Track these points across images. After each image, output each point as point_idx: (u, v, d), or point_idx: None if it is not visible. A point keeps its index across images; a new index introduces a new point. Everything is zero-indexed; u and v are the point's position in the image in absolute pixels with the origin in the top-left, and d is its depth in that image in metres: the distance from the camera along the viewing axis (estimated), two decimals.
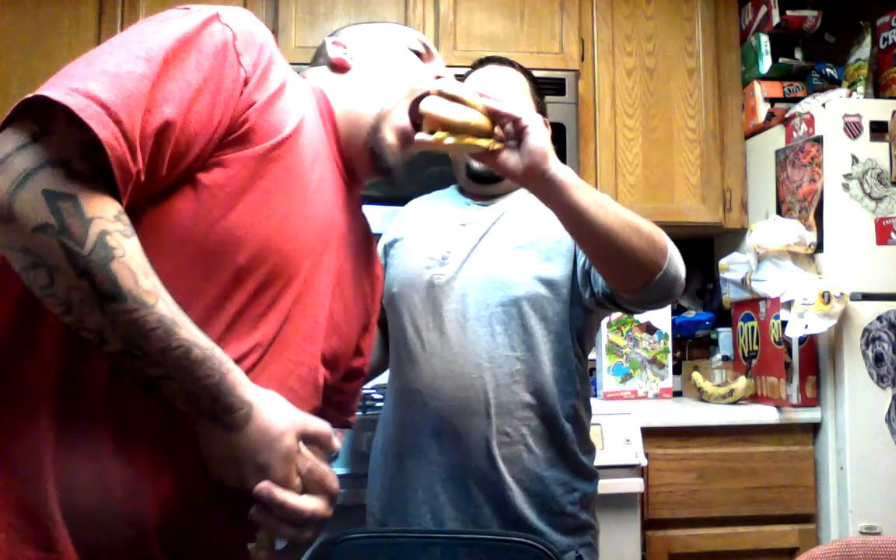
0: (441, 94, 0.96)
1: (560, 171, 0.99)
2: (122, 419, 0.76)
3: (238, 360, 0.80)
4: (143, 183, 0.73)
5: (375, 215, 2.09)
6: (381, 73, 1.01)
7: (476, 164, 1.36)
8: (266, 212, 0.82)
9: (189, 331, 0.74)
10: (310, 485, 0.83)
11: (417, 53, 1.05)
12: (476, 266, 1.29)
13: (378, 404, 1.75)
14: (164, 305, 0.73)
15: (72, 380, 0.75)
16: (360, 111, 0.98)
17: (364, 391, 1.74)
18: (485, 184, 1.37)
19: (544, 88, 1.47)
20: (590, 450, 1.33)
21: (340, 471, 1.64)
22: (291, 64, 2.41)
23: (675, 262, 1.10)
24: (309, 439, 0.82)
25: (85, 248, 0.69)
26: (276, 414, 0.80)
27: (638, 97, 2.32)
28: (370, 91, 0.99)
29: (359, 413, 1.70)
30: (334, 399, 1.01)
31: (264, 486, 0.79)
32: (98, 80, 0.70)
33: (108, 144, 0.69)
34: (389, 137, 0.98)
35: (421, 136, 0.97)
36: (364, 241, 1.06)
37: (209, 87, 0.76)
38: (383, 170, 0.99)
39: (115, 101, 0.69)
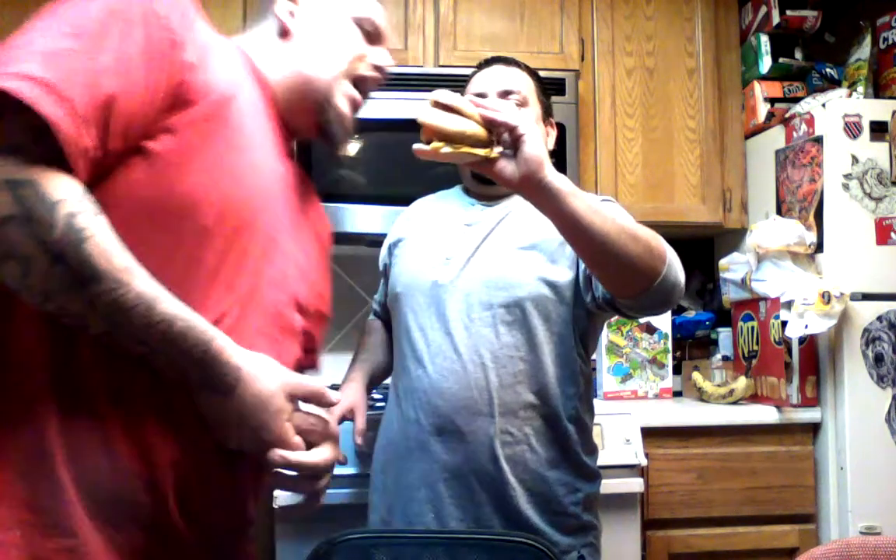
0: (437, 104, 0.98)
1: (556, 179, 0.99)
2: (119, 394, 0.76)
3: (218, 321, 0.80)
4: (97, 159, 0.73)
5: (378, 215, 2.10)
6: (318, 47, 1.00)
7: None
8: (221, 169, 0.81)
9: (169, 304, 0.74)
10: (315, 438, 0.87)
11: (367, 32, 1.04)
12: (480, 266, 1.29)
13: (378, 404, 1.75)
14: (141, 281, 0.73)
15: (62, 366, 0.75)
16: (306, 76, 0.97)
17: None
18: (489, 184, 1.37)
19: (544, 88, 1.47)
20: (592, 450, 1.33)
21: (341, 471, 1.64)
22: None
23: (675, 268, 1.10)
24: (303, 398, 0.84)
25: (55, 233, 0.68)
26: (265, 376, 0.81)
27: (638, 97, 2.32)
28: (309, 61, 0.99)
29: None
30: (305, 345, 1.03)
31: (276, 455, 0.81)
32: (34, 62, 0.68)
33: (60, 124, 0.67)
34: (342, 106, 0.99)
35: (418, 146, 0.98)
36: (303, 183, 1.06)
37: (143, 54, 0.75)
38: (327, 136, 1.00)
39: (58, 80, 0.68)
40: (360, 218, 2.07)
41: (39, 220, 0.67)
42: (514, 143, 0.99)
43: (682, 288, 1.13)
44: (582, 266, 1.25)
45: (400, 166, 2.08)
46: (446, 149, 0.97)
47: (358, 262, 2.40)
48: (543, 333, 1.26)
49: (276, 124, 0.97)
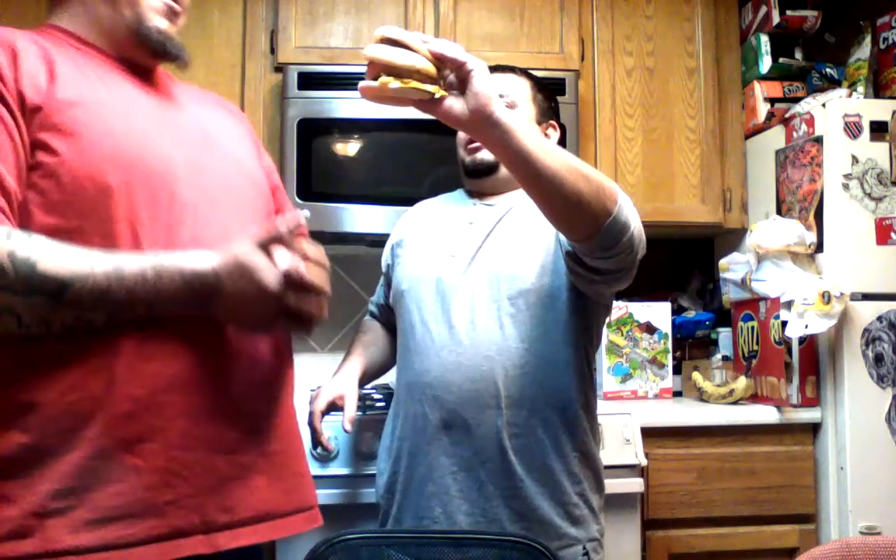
0: (384, 39, 0.93)
1: (505, 116, 0.96)
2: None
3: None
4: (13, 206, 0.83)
5: (378, 215, 2.10)
6: None
7: (468, 159, 1.39)
8: (96, 141, 0.88)
9: (131, 262, 0.84)
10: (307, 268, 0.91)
11: None
12: (484, 262, 1.31)
13: (378, 404, 1.75)
14: (100, 262, 0.82)
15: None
16: (112, 17, 0.99)
17: (364, 391, 1.74)
18: (479, 178, 1.40)
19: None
20: (597, 441, 1.34)
21: (340, 471, 1.64)
22: (292, 64, 2.39)
23: (626, 210, 1.08)
24: (271, 243, 0.90)
25: (10, 275, 0.77)
26: (234, 257, 0.88)
27: (638, 97, 2.32)
28: (106, 4, 1.00)
29: (359, 413, 1.70)
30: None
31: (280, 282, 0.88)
32: None
33: None
34: (157, 22, 1.01)
35: (364, 83, 0.93)
36: (181, 93, 1.08)
37: None
38: (159, 55, 1.03)
39: None
40: (359, 218, 2.07)
41: None
42: (462, 81, 0.95)
43: (632, 231, 1.10)
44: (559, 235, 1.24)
45: (400, 166, 2.08)
46: (395, 84, 0.92)
47: (358, 262, 2.40)
48: (548, 324, 1.27)
49: (120, 68, 1.00)
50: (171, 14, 1.03)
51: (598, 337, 1.37)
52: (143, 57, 1.02)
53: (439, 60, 0.94)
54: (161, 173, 0.92)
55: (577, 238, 1.11)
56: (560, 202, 1.03)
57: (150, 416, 0.87)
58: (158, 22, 1.00)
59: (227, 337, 0.94)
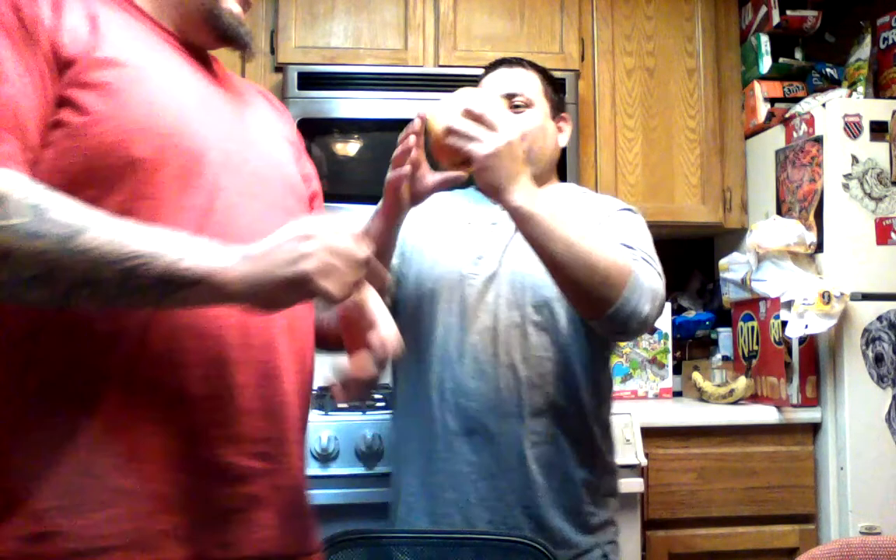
0: (469, 114, 1.06)
1: (519, 200, 1.06)
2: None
3: None
4: (28, 158, 0.76)
5: None
6: None
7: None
8: (128, 106, 0.81)
9: (139, 244, 0.73)
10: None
11: None
12: (508, 267, 1.28)
13: (379, 404, 1.75)
14: (102, 226, 0.73)
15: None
16: None
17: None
18: None
19: None
20: (612, 448, 1.34)
21: (340, 471, 1.64)
22: (292, 64, 2.38)
23: (634, 299, 1.11)
24: None
25: (19, 213, 0.69)
26: (244, 272, 0.76)
27: (638, 97, 2.32)
28: None
29: (359, 413, 1.70)
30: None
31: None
32: None
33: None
34: (231, 5, 0.95)
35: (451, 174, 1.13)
36: (234, 85, 1.02)
37: (13, 48, 0.76)
38: (229, 38, 0.96)
39: None
40: (359, 218, 2.07)
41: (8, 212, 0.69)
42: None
43: (643, 317, 1.14)
44: None
45: None
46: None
47: None
48: (571, 333, 1.25)
49: (177, 46, 0.93)
50: (245, 2, 0.98)
51: (614, 344, 1.39)
52: (207, 39, 0.96)
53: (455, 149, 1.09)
54: (196, 155, 0.84)
55: (584, 317, 1.18)
56: (564, 287, 1.13)
57: (148, 431, 0.79)
58: (232, 5, 0.95)
59: (244, 347, 0.85)
